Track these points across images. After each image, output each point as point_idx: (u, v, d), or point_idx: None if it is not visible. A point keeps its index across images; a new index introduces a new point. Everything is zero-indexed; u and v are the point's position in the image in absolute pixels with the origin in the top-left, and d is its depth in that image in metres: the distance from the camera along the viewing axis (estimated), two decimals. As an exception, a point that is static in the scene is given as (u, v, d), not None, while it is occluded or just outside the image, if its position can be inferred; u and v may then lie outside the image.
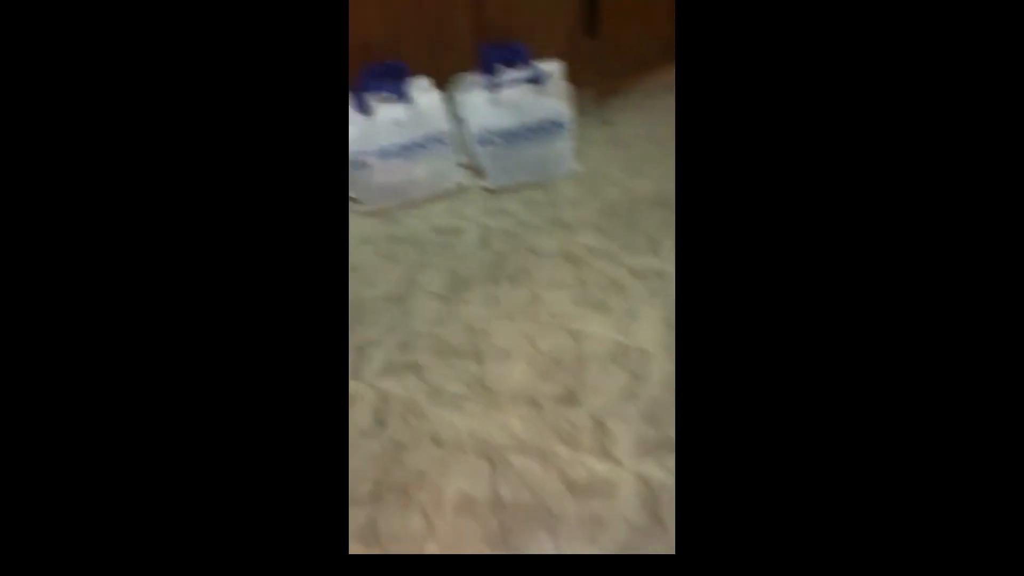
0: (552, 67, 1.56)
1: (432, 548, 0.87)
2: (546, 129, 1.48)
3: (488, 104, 1.45)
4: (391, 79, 1.46)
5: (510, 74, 1.51)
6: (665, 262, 1.31)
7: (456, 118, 1.54)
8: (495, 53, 1.53)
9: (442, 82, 1.59)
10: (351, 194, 1.49)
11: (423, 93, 1.43)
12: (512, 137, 1.47)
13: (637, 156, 1.64)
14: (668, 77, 1.90)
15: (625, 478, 0.95)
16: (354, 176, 1.42)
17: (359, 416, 1.04)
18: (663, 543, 0.86)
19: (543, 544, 0.87)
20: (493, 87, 1.44)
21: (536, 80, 1.44)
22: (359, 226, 1.46)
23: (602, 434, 1.00)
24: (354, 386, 1.09)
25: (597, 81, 1.69)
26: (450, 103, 1.56)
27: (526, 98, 1.45)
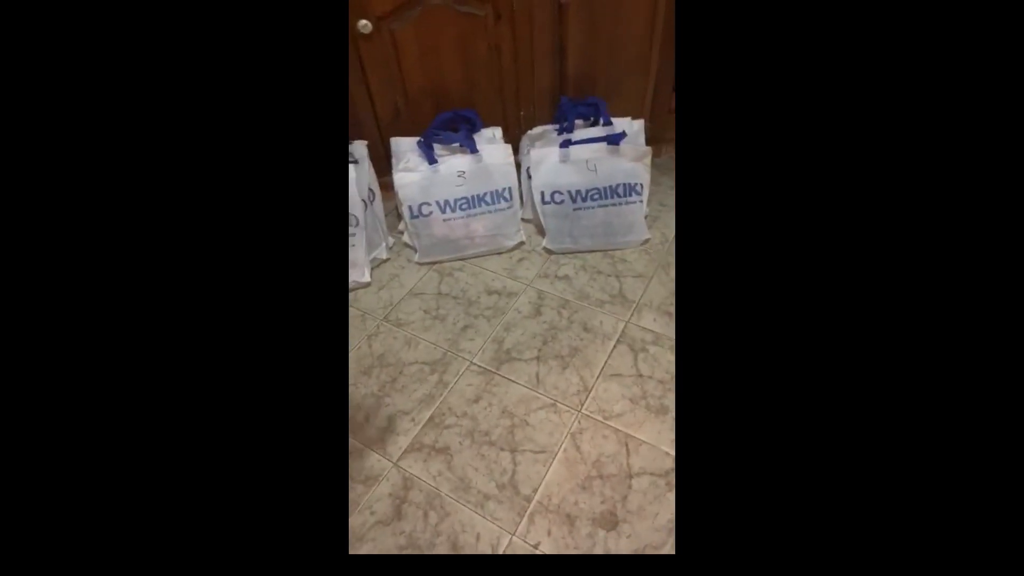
0: (633, 126, 1.44)
1: None
2: (619, 192, 1.37)
3: (558, 160, 1.35)
4: (460, 128, 1.41)
5: (586, 131, 1.41)
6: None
7: (524, 173, 1.46)
8: (573, 108, 1.43)
9: (514, 134, 1.51)
10: (407, 240, 1.44)
11: (491, 145, 1.36)
12: (581, 198, 1.36)
13: (718, 227, 1.48)
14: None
15: (665, 640, 0.80)
16: (413, 225, 1.37)
17: (377, 500, 0.96)
18: None
19: None
20: (566, 143, 1.34)
21: (613, 139, 1.33)
22: (411, 277, 1.40)
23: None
24: (378, 463, 1.02)
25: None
26: (519, 156, 1.48)
27: (600, 157, 1.34)
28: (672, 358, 1.16)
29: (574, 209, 1.37)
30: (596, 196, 1.36)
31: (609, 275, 1.37)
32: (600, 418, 1.06)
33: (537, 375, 1.15)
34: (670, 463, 0.99)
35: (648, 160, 1.37)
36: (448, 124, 1.41)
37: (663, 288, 1.32)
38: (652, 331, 1.22)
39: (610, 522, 0.92)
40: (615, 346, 1.20)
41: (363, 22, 1.24)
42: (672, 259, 1.39)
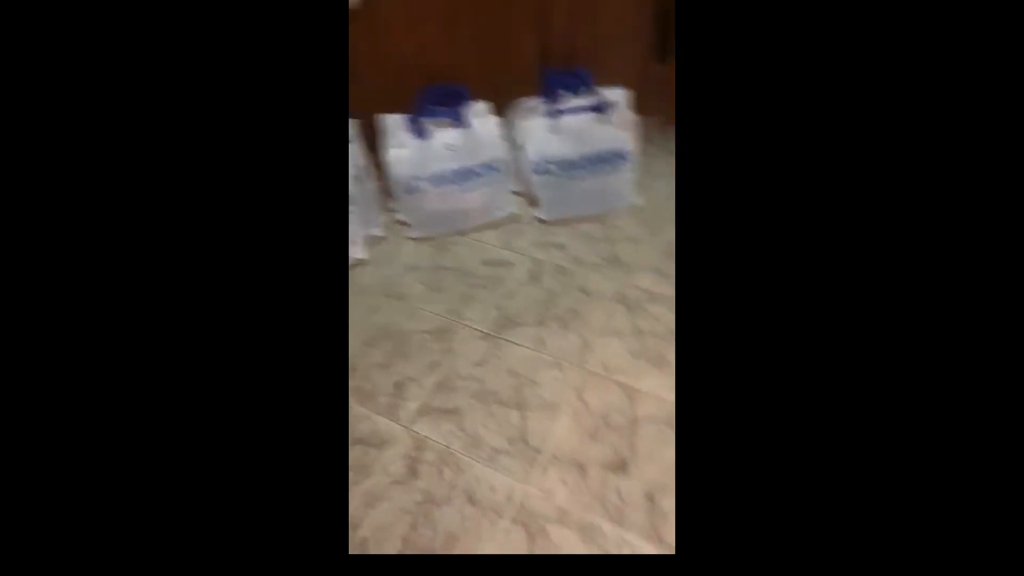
0: (618, 95, 1.47)
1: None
2: (607, 160, 1.40)
3: (547, 131, 1.38)
4: (449, 103, 1.42)
5: (573, 101, 1.44)
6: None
7: (513, 145, 1.48)
8: (558, 79, 1.46)
9: (502, 107, 1.53)
10: (401, 217, 1.45)
11: (481, 118, 1.38)
12: (570, 167, 1.39)
13: (704, 191, 1.52)
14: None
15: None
16: (405, 200, 1.38)
17: (392, 462, 0.98)
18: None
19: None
20: (554, 114, 1.37)
21: (600, 108, 1.36)
22: (407, 252, 1.41)
23: (653, 511, 0.90)
24: (388, 427, 1.04)
25: (666, 110, 1.59)
26: (508, 129, 1.50)
27: (588, 126, 1.37)
28: (668, 314, 1.20)
29: (565, 178, 1.40)
30: (586, 165, 1.39)
31: (603, 240, 1.40)
32: (603, 373, 1.10)
33: (540, 337, 1.18)
34: (672, 408, 1.03)
35: (635, 128, 1.40)
36: (437, 99, 1.43)
37: (655, 250, 1.36)
38: (648, 291, 1.26)
39: (619, 466, 0.96)
40: (612, 305, 1.23)
41: (349, -2, 1.24)
42: (663, 222, 1.43)
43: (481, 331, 1.20)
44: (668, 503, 0.91)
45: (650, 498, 0.91)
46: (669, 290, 1.26)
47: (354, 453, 1.00)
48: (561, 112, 1.37)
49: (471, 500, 0.93)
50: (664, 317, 1.20)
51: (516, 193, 1.51)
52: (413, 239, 1.45)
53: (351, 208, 1.31)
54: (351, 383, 1.11)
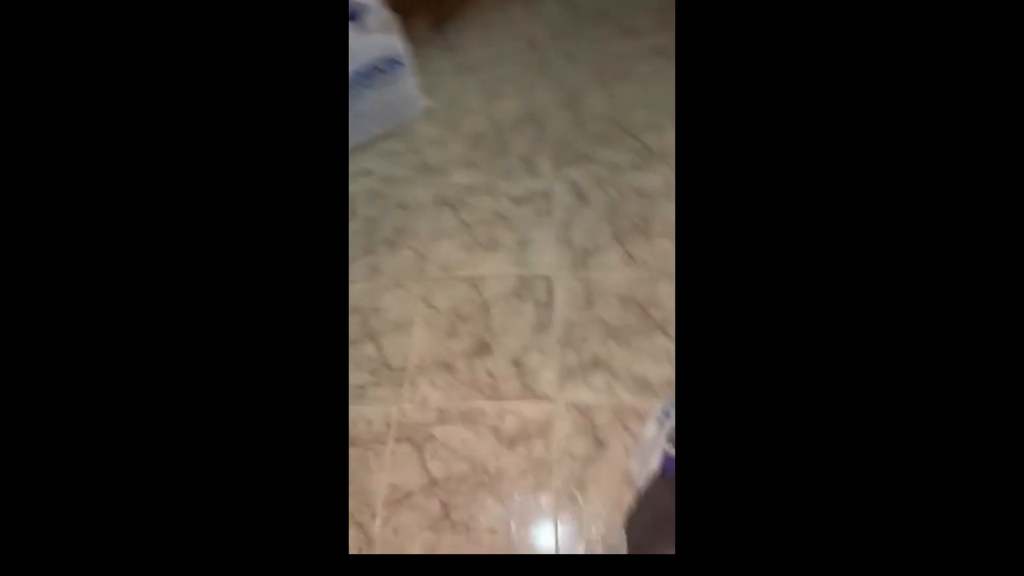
0: (367, -3, 1.37)
1: (372, 551, 0.78)
2: (381, 70, 1.31)
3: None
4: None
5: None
6: (545, 180, 1.22)
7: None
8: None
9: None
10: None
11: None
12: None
13: (492, 77, 1.51)
14: (503, -14, 1.75)
15: (557, 411, 0.89)
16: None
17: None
18: (608, 467, 0.82)
19: (489, 509, 0.80)
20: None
21: (352, 16, 1.25)
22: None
23: (523, 375, 0.93)
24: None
25: (428, 5, 1.51)
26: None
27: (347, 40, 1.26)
28: (490, 199, 1.20)
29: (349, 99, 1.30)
30: (360, 79, 1.30)
31: (406, 152, 1.34)
32: (444, 275, 1.08)
33: (373, 265, 1.12)
34: (515, 281, 1.05)
35: (399, 29, 1.32)
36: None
37: (461, 144, 1.34)
38: (461, 185, 1.24)
39: (482, 349, 0.97)
40: (434, 210, 1.20)
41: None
42: (459, 115, 1.40)
43: (310, 283, 1.11)
44: (533, 361, 0.94)
45: (517, 364, 0.94)
46: (482, 178, 1.25)
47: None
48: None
49: (354, 443, 0.89)
50: (485, 203, 1.20)
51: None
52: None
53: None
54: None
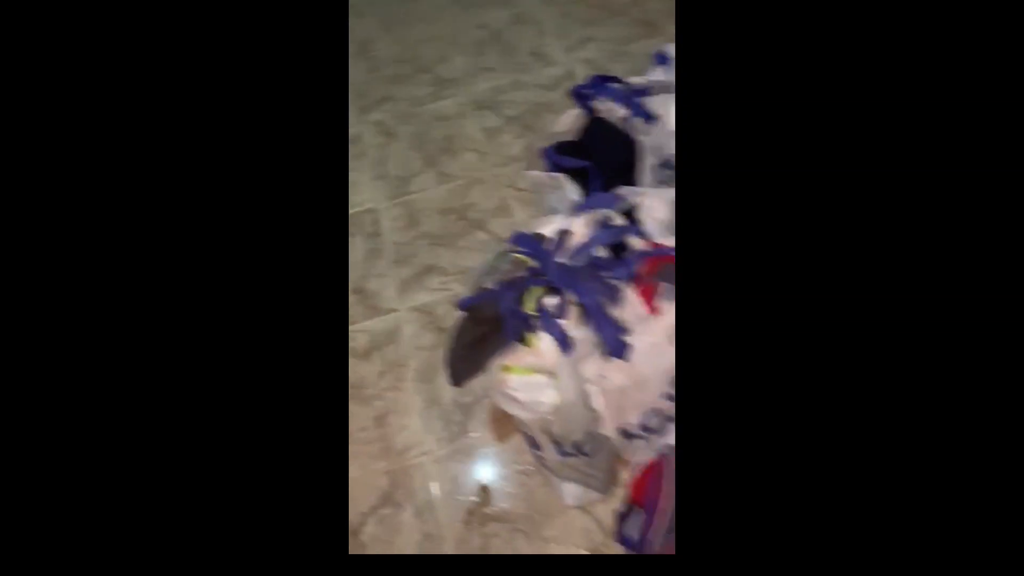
0: None
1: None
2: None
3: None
4: None
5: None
6: (353, 128, 1.27)
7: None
8: None
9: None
10: None
11: None
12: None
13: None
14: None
15: (403, 317, 0.98)
16: None
17: None
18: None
19: (356, 415, 0.86)
20: None
21: None
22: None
23: (365, 299, 1.00)
24: None
25: None
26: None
27: None
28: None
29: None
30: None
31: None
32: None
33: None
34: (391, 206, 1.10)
35: None
36: None
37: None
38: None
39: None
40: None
41: None
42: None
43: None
44: (375, 285, 1.01)
45: (361, 292, 1.01)
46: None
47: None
48: None
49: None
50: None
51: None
52: None
53: None
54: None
